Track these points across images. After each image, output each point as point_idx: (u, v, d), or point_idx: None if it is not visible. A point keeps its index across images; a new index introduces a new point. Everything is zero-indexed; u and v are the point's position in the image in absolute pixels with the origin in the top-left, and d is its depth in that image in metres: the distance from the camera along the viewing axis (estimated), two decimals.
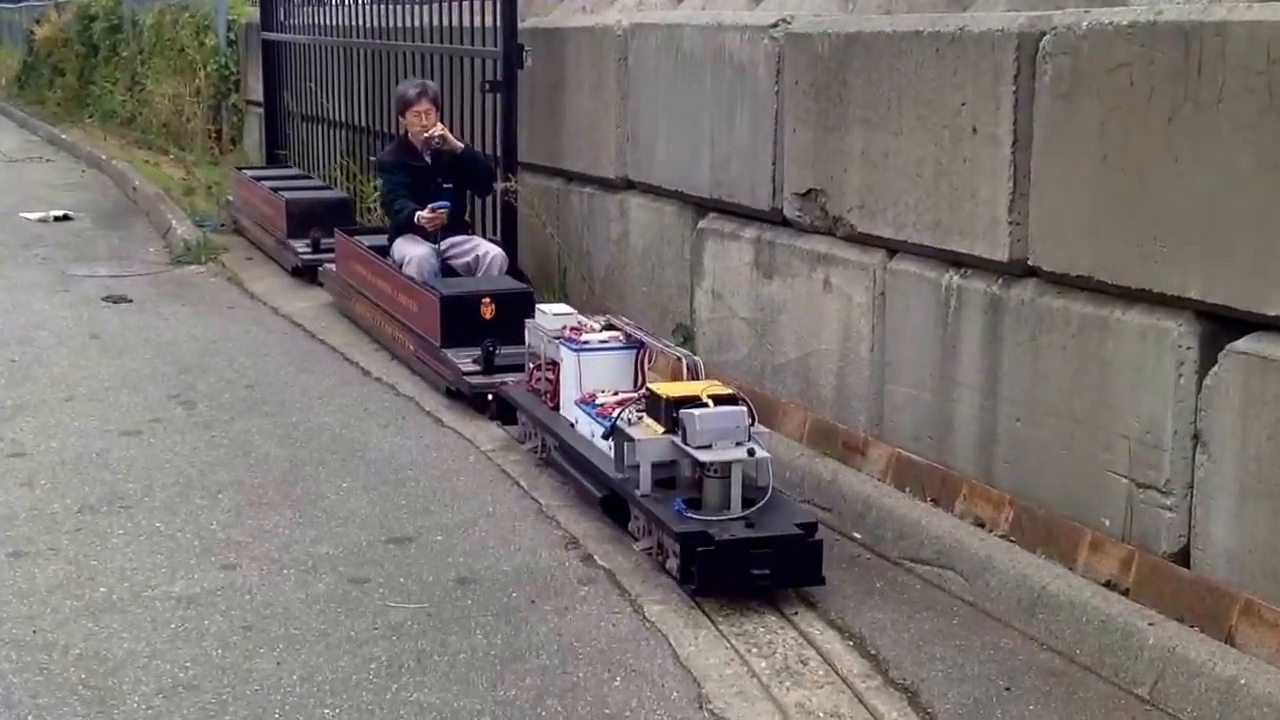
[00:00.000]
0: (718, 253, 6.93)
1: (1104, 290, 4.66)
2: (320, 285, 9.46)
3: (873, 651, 4.39)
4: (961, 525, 5.00)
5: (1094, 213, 4.65)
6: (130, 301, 9.50)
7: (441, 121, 8.07)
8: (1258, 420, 4.12)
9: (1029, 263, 4.98)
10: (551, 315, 6.04)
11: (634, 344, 5.68)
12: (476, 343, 6.88)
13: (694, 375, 5.21)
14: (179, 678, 4.14)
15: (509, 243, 8.71)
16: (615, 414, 5.17)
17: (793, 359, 6.36)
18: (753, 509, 4.69)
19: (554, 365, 5.91)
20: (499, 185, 8.55)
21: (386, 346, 7.96)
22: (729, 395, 4.89)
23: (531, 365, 6.22)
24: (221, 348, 8.17)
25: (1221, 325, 4.28)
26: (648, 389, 5.08)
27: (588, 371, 5.62)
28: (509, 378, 6.61)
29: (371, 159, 10.85)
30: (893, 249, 5.72)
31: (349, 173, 11.58)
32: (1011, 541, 4.86)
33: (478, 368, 6.84)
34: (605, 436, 5.15)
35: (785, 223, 6.43)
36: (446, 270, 7.79)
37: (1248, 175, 4.09)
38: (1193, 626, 4.17)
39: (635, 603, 4.72)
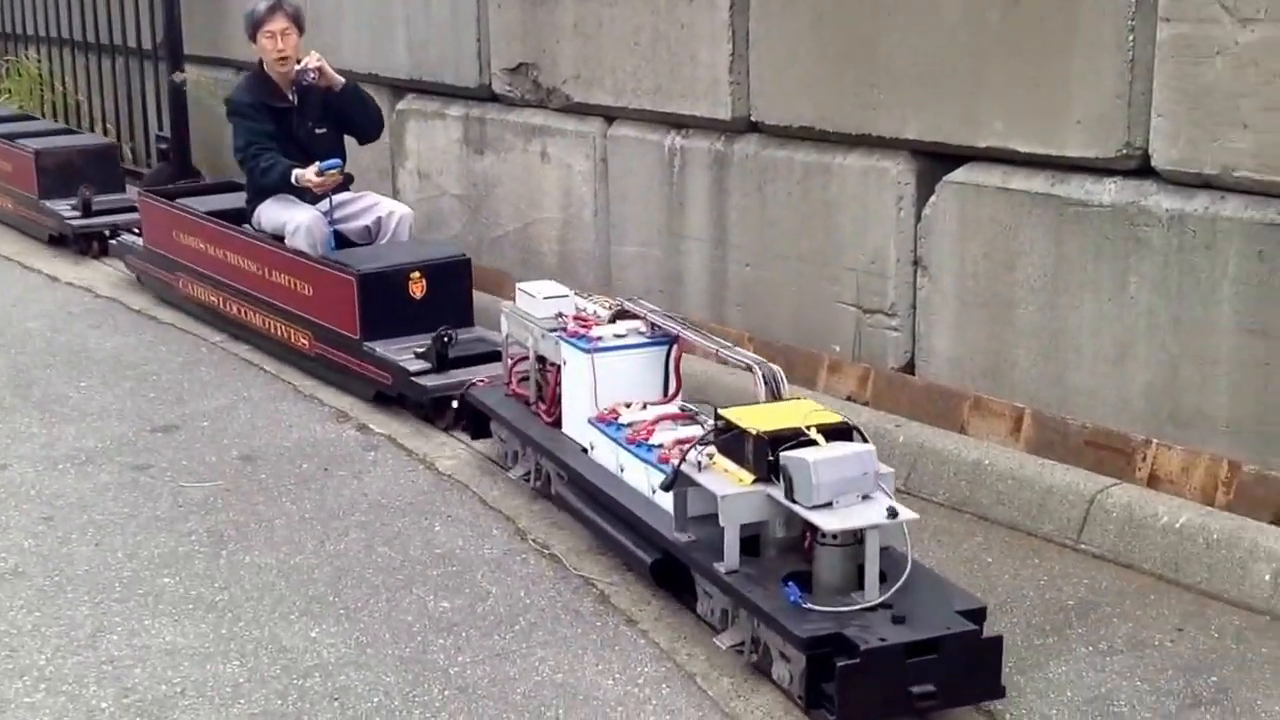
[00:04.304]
0: (421, 133, 7.07)
1: (826, 138, 5.19)
2: (87, 255, 7.81)
3: None
4: (709, 364, 5.47)
5: (813, 68, 5.15)
6: None
7: (294, 39, 6.02)
8: (973, 241, 4.75)
9: (751, 119, 5.45)
10: (540, 299, 4.62)
11: (662, 338, 4.31)
12: (406, 331, 5.45)
13: (773, 392, 3.81)
14: (2, 568, 4.07)
15: (180, 139, 8.52)
16: (663, 444, 3.92)
17: (511, 231, 6.63)
18: (891, 589, 3.33)
19: (543, 362, 4.58)
20: (178, 77, 8.29)
21: (257, 344, 6.17)
22: (840, 425, 3.52)
23: (511, 362, 4.84)
24: None
25: (936, 161, 4.88)
26: (725, 419, 3.62)
27: (605, 378, 4.23)
28: (465, 375, 5.15)
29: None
30: (611, 116, 6.07)
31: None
32: None
33: (426, 365, 5.28)
34: (666, 488, 3.70)
35: (495, 98, 6.65)
36: (338, 238, 5.96)
37: (956, 25, 4.67)
38: (929, 425, 4.81)
39: (426, 460, 4.95)
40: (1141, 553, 4.04)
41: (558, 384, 4.46)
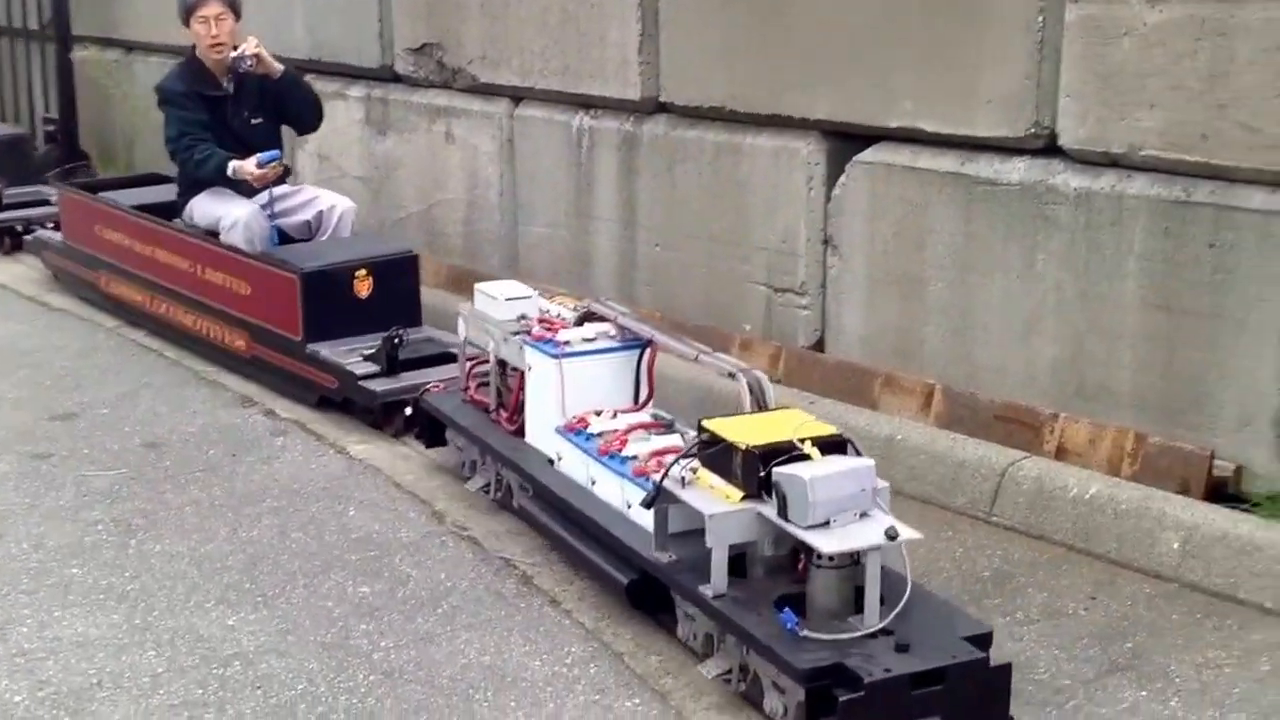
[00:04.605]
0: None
1: (736, 119, 5.20)
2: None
3: None
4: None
5: (723, 48, 5.16)
6: None
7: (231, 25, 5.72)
8: (883, 220, 4.80)
9: (661, 99, 5.45)
10: (502, 300, 4.37)
11: (633, 342, 4.10)
12: (351, 332, 5.17)
13: (759, 401, 3.61)
14: None
15: (68, 122, 8.30)
16: (638, 455, 3.71)
17: (415, 212, 6.56)
18: (892, 614, 3.11)
19: (504, 367, 4.33)
20: (76, 56, 8.05)
21: (154, 329, 5.99)
22: (833, 438, 3.31)
23: (469, 366, 4.57)
24: None
25: (846, 141, 4.91)
26: (709, 431, 3.38)
27: (574, 385, 4.02)
28: (416, 378, 4.90)
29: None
30: (518, 96, 6.03)
31: None
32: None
33: (375, 368, 5.00)
34: (647, 505, 3.45)
35: (398, 79, 6.57)
36: (276, 233, 5.67)
37: (866, 5, 4.70)
38: (842, 401, 4.85)
39: (336, 445, 4.88)
40: (1052, 524, 4.11)
41: (521, 390, 4.22)
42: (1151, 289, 4.16)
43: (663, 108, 5.46)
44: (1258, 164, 3.91)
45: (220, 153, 5.50)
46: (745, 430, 3.32)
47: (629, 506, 3.65)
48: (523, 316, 4.32)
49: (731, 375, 3.66)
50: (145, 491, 4.47)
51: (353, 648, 3.53)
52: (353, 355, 5.08)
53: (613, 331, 4.12)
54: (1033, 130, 4.36)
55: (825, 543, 3.09)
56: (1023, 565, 3.98)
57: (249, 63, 5.56)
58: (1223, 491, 4.05)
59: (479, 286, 4.54)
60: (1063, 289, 4.36)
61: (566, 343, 4.07)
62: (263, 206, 5.59)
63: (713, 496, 3.29)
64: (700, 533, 3.28)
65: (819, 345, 5.08)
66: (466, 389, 4.54)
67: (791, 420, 3.38)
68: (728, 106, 5.18)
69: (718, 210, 5.29)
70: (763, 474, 3.20)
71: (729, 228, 5.26)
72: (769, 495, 3.20)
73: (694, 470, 3.37)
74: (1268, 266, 3.92)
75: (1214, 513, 3.90)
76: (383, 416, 4.95)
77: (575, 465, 3.91)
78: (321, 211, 5.70)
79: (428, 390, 4.66)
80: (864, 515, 3.16)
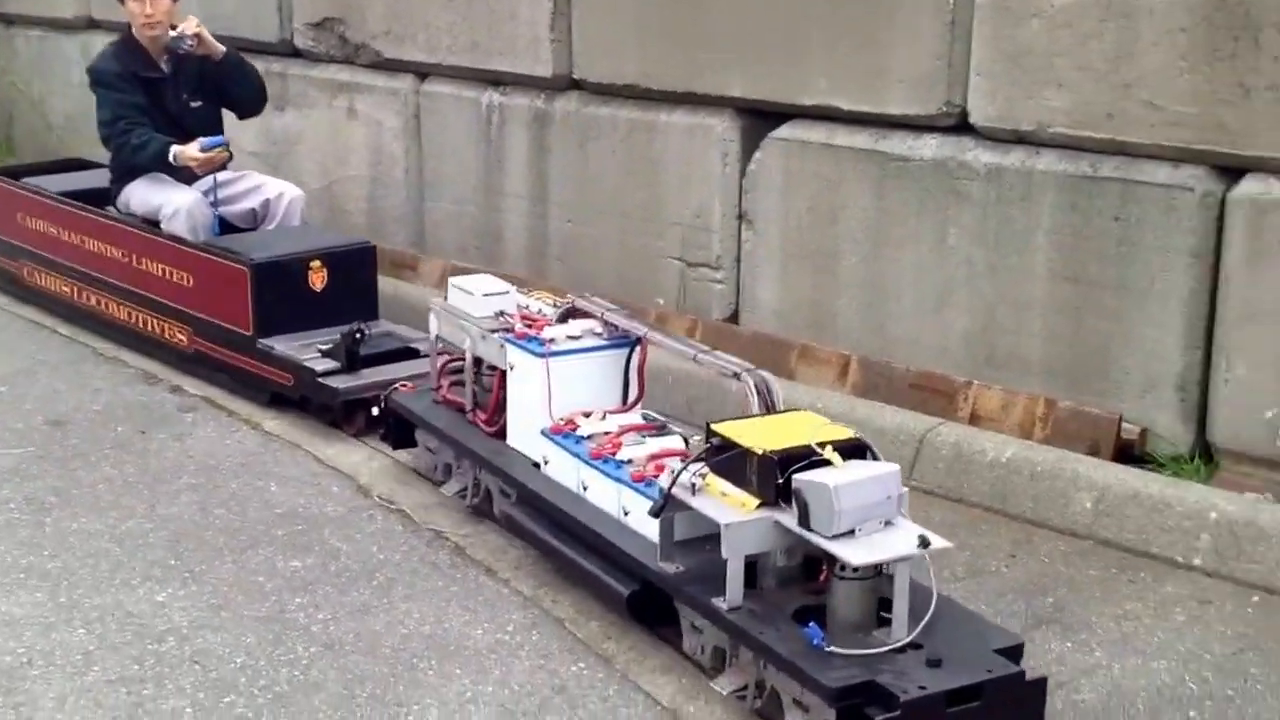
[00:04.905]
0: None
1: (650, 96, 5.23)
2: None
3: None
4: None
5: (637, 25, 5.19)
6: None
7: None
8: (797, 196, 4.88)
9: (574, 76, 5.45)
10: (479, 296, 4.17)
11: (622, 339, 3.89)
12: (304, 326, 4.94)
13: (767, 403, 3.42)
14: None
15: None
16: (634, 459, 3.53)
17: (315, 189, 6.47)
18: (919, 627, 2.96)
19: (479, 365, 4.13)
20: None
21: (48, 306, 5.87)
22: (852, 442, 3.13)
23: (440, 364, 4.34)
24: None
25: (760, 118, 4.98)
26: (720, 435, 3.18)
27: (561, 385, 3.79)
28: (377, 374, 4.71)
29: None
30: (424, 72, 5.99)
31: None
32: None
33: (334, 364, 4.77)
34: (655, 514, 3.22)
35: (297, 54, 6.48)
36: (220, 222, 5.37)
37: None
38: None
39: (249, 421, 4.82)
40: (971, 486, 4.23)
41: (501, 390, 4.00)
42: (1060, 261, 4.30)
43: (575, 85, 5.47)
44: (1160, 140, 4.07)
45: (159, 138, 5.23)
46: (758, 434, 3.13)
47: (625, 513, 3.46)
48: (501, 313, 4.12)
49: (736, 375, 3.46)
50: (55, 470, 4.37)
51: (289, 621, 3.50)
52: (309, 350, 4.85)
53: (598, 328, 3.91)
54: (944, 108, 4.47)
55: (854, 554, 2.90)
56: (944, 527, 4.05)
57: (189, 43, 5.29)
58: (1129, 453, 4.22)
59: (453, 281, 4.32)
60: (974, 262, 4.48)
61: (552, 340, 3.85)
62: (205, 193, 5.34)
63: (726, 504, 3.09)
64: (704, 541, 3.18)
65: (734, 318, 5.15)
66: (438, 388, 4.31)
67: (806, 423, 3.22)
68: (641, 84, 5.21)
69: (631, 186, 5.32)
70: (780, 481, 3.02)
71: (642, 204, 5.30)
72: (786, 503, 3.02)
73: (703, 476, 3.16)
74: (1170, 239, 4.08)
75: (1125, 473, 4.06)
76: (343, 416, 4.74)
77: (564, 469, 3.69)
78: (268, 199, 5.42)
79: (396, 389, 4.42)
80: (888, 523, 3.00)
